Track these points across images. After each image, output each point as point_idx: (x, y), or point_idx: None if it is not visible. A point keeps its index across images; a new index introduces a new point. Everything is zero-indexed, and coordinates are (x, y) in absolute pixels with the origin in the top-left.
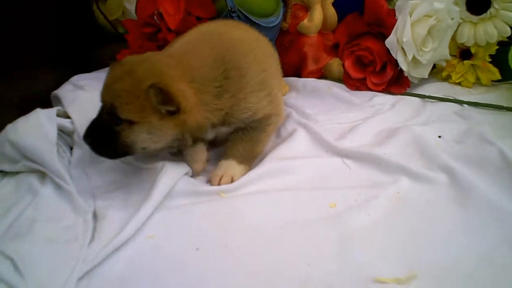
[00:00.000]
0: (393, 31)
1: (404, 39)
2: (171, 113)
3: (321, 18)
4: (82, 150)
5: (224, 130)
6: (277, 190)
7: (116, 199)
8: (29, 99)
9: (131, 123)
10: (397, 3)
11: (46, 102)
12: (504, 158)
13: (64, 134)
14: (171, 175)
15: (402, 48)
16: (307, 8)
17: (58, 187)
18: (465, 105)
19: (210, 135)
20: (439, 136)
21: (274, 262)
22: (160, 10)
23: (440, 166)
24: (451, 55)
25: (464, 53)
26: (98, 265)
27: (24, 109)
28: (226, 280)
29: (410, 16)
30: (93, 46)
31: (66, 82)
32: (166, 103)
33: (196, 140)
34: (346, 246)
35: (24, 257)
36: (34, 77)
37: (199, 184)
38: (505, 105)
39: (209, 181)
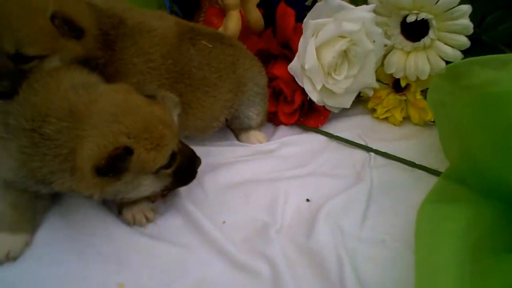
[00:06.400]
0: (296, 55)
1: (306, 66)
2: None
3: (237, 27)
4: None
5: None
6: None
7: None
8: None
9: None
10: (304, 20)
11: None
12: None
13: None
14: None
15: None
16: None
17: None
18: (372, 153)
19: None
20: (307, 200)
21: None
22: None
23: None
24: (383, 83)
25: (398, 84)
26: None
27: None
28: None
29: (316, 37)
30: None
31: None
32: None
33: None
34: None
35: None
36: None
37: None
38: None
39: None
